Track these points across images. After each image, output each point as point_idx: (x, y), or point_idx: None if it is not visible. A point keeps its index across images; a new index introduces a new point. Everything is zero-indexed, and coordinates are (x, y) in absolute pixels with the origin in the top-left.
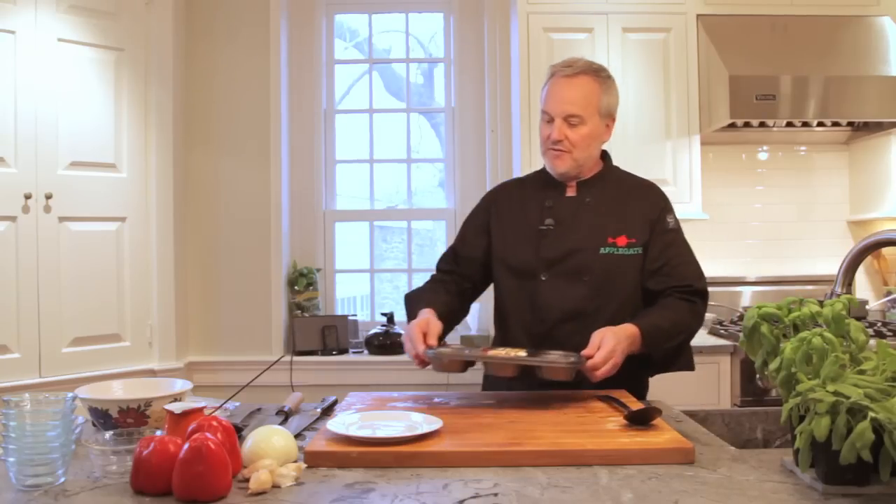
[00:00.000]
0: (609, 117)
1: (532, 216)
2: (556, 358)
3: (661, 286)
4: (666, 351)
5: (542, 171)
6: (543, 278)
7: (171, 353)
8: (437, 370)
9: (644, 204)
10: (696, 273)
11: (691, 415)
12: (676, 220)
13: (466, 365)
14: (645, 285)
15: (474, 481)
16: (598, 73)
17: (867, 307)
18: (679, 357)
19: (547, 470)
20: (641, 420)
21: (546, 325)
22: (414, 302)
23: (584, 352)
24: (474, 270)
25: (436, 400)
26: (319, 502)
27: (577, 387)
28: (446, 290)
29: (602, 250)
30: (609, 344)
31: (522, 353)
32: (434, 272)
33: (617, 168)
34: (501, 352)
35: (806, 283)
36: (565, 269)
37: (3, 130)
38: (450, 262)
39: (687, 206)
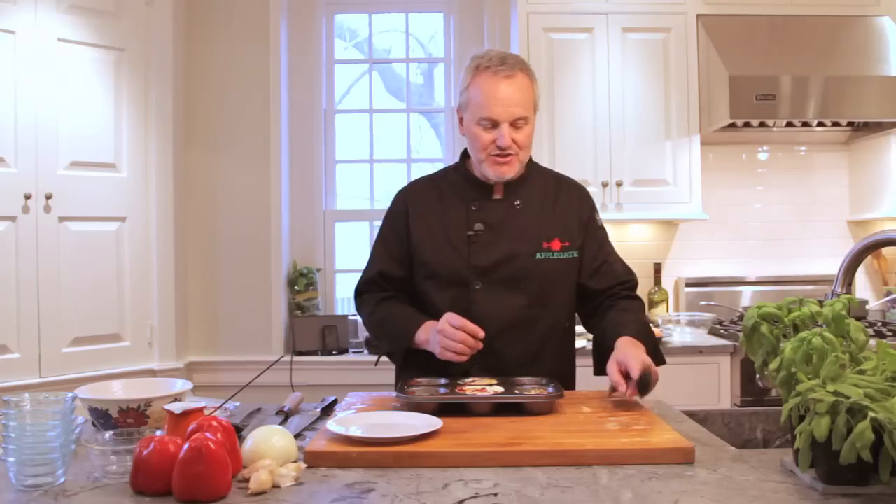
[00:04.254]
0: (538, 110)
1: (457, 220)
2: (535, 392)
3: (604, 284)
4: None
5: (457, 170)
6: (477, 287)
7: (171, 353)
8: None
9: (573, 204)
10: (628, 268)
11: (691, 415)
12: (600, 217)
13: (440, 404)
14: (587, 284)
15: (474, 481)
16: (529, 68)
17: (867, 307)
18: (657, 353)
19: (547, 470)
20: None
21: (485, 336)
22: (397, 321)
23: (629, 392)
24: (405, 288)
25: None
26: (319, 502)
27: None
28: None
29: (538, 256)
30: (635, 365)
31: (498, 387)
32: (361, 296)
33: (538, 165)
34: (477, 387)
35: (806, 283)
36: (501, 277)
37: (3, 130)
38: (378, 284)
39: (687, 206)
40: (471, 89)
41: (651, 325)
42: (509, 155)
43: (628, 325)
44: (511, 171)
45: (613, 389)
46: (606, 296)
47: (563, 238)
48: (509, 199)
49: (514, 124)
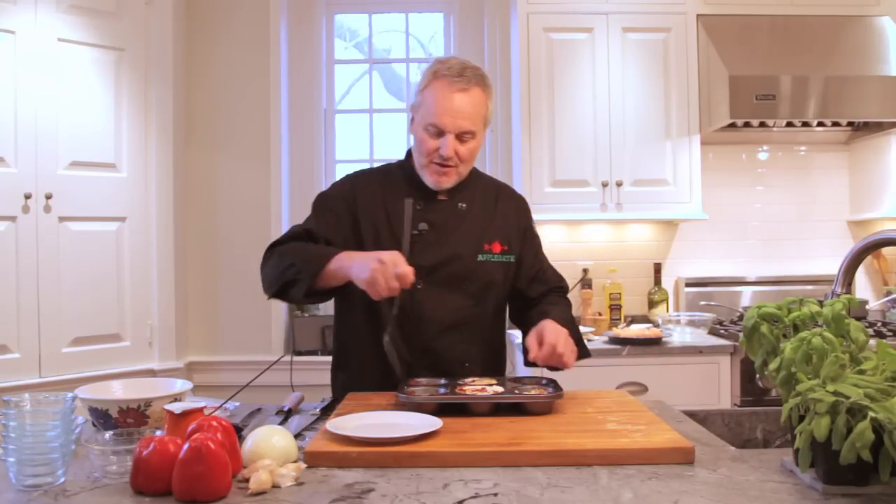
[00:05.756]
0: (488, 125)
1: (401, 217)
2: (535, 392)
3: (539, 291)
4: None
5: (405, 167)
6: (419, 286)
7: (171, 353)
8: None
9: (513, 211)
10: (559, 274)
11: (691, 415)
12: (535, 226)
13: (440, 404)
14: (524, 290)
15: (474, 481)
16: (486, 82)
17: (867, 307)
18: (580, 345)
19: (547, 470)
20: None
21: (426, 336)
22: (312, 248)
23: (540, 354)
24: None
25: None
26: (319, 502)
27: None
28: None
29: (479, 257)
30: (552, 335)
31: (497, 387)
32: (278, 245)
33: (478, 171)
34: (477, 387)
35: (806, 283)
36: (444, 277)
37: (3, 130)
38: (303, 239)
39: (687, 206)
40: (425, 93)
41: (578, 323)
42: (449, 166)
43: (553, 312)
44: (448, 181)
45: (532, 364)
46: (539, 300)
47: (503, 242)
48: (453, 201)
49: (459, 137)
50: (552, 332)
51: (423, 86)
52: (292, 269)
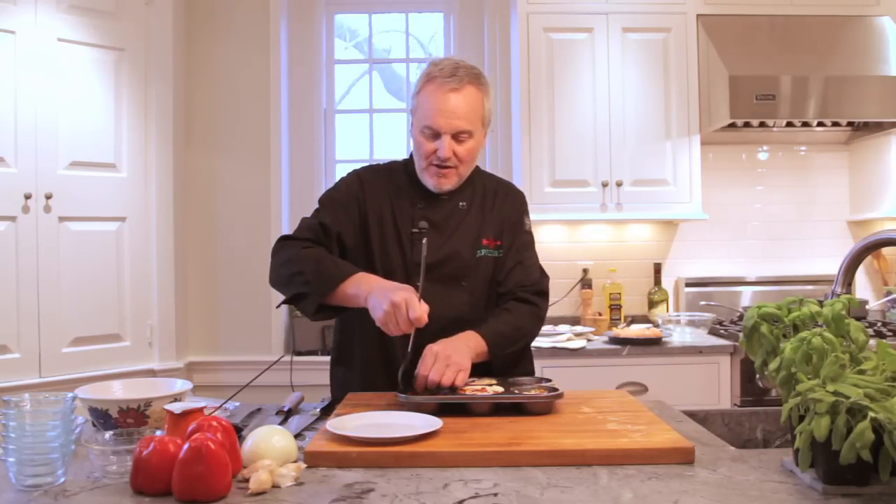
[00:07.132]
0: (488, 125)
1: (403, 216)
2: (535, 392)
3: (510, 286)
4: (507, 356)
5: (406, 168)
6: (419, 284)
7: (171, 353)
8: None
9: (507, 206)
10: (540, 274)
11: (691, 415)
12: (530, 223)
13: (440, 404)
14: (499, 282)
15: (474, 481)
16: (480, 80)
17: (867, 307)
18: (520, 362)
19: (547, 470)
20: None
21: (426, 334)
22: (330, 261)
23: (419, 371)
24: (337, 251)
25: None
26: (319, 502)
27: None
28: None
29: (478, 253)
30: (422, 363)
31: (497, 387)
32: (294, 240)
33: (480, 169)
34: (477, 387)
35: (806, 283)
36: (443, 275)
37: (3, 130)
38: (318, 234)
39: (687, 206)
40: (420, 96)
41: (518, 331)
42: (448, 167)
43: (488, 322)
44: (448, 183)
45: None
46: (509, 296)
47: (496, 237)
48: (454, 200)
49: (456, 137)
50: (426, 357)
51: (417, 89)
52: (300, 278)
